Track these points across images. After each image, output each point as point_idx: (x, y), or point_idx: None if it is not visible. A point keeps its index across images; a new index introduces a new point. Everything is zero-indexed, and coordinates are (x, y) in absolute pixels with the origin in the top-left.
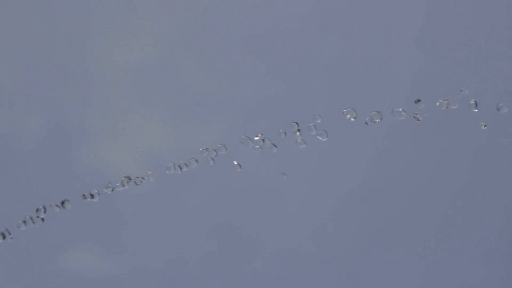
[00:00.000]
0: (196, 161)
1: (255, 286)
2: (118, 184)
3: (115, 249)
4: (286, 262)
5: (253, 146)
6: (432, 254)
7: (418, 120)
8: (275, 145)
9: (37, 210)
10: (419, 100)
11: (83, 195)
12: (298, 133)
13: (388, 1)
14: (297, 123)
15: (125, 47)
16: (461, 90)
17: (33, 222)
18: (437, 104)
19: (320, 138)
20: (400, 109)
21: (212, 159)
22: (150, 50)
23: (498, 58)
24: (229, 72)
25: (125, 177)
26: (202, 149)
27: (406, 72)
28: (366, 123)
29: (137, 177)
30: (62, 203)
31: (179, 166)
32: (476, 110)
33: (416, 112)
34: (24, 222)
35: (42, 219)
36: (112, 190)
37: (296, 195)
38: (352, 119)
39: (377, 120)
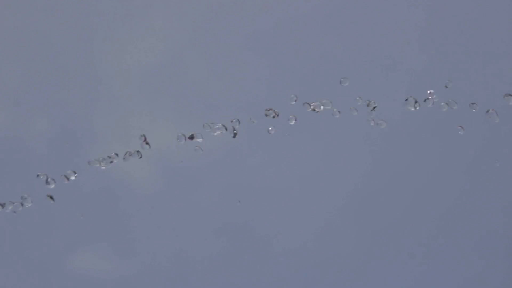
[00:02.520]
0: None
1: (263, 285)
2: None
3: (123, 250)
4: (294, 261)
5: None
6: (440, 252)
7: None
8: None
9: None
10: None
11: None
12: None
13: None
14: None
15: (133, 48)
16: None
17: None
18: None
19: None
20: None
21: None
22: (158, 51)
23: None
24: (237, 74)
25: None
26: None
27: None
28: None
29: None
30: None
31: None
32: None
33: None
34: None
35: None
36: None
37: (303, 194)
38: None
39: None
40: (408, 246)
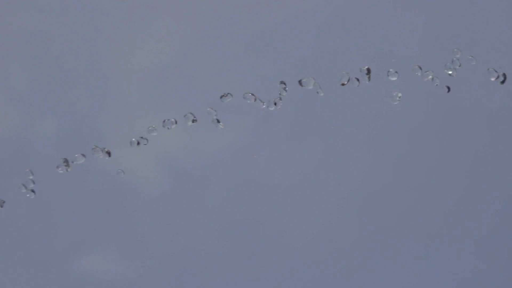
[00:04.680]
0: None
1: (271, 284)
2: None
3: (130, 251)
4: (301, 259)
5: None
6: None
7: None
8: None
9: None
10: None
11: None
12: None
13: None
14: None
15: (140, 50)
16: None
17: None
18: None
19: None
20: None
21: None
22: (165, 53)
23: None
24: (244, 76)
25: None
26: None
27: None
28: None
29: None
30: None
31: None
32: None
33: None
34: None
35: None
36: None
37: (309, 191)
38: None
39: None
40: (416, 241)
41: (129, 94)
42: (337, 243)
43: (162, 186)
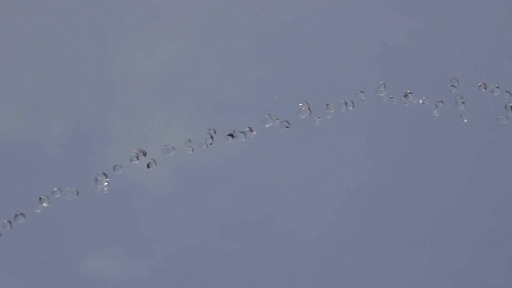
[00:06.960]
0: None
1: (279, 283)
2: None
3: (137, 252)
4: (310, 257)
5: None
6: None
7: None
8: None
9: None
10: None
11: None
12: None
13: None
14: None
15: (147, 52)
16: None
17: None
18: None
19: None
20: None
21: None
22: (172, 55)
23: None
24: (252, 77)
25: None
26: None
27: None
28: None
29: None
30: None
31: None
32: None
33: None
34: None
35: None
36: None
37: (316, 190)
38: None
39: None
40: (425, 232)
41: (136, 96)
42: (344, 240)
43: (169, 187)
